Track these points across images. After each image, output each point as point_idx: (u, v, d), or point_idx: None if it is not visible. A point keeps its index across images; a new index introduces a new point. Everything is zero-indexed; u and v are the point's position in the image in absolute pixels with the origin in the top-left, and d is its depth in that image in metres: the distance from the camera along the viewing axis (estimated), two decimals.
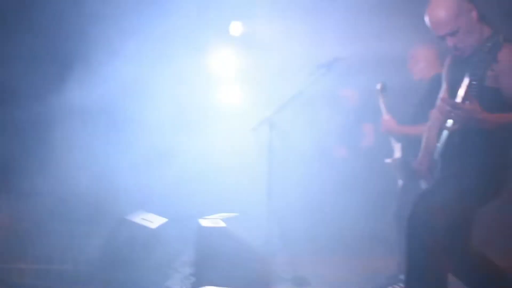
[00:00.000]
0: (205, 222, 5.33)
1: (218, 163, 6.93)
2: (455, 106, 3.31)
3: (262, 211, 5.12)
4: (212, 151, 6.93)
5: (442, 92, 3.80)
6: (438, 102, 3.65)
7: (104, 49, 6.30)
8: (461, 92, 3.36)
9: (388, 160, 5.35)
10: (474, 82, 3.28)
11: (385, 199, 5.53)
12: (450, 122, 3.40)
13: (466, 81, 3.35)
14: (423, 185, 3.86)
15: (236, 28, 6.70)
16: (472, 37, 3.45)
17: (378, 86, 5.22)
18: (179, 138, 6.54)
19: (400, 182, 5.21)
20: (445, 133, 3.51)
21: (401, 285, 5.04)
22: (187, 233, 5.77)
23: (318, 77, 5.02)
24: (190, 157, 6.57)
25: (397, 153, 5.27)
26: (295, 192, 6.51)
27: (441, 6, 3.43)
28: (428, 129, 3.82)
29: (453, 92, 3.48)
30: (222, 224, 5.28)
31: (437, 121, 3.59)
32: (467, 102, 3.30)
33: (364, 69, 5.97)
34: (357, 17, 6.08)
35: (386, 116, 5.18)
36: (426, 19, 3.51)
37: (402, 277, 4.94)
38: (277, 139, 5.18)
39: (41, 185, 6.24)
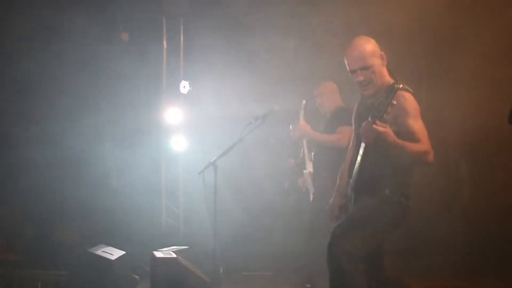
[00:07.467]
0: (158, 254, 5.80)
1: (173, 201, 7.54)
2: (371, 124, 3.66)
3: (209, 244, 5.49)
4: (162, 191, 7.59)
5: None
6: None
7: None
8: None
9: (304, 171, 6.02)
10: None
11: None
12: (363, 146, 3.81)
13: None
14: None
15: (184, 86, 7.46)
16: (379, 77, 3.92)
17: (304, 102, 5.94)
18: (134, 179, 7.11)
19: (311, 195, 5.87)
20: (355, 169, 3.91)
21: None
22: (143, 263, 6.39)
23: (255, 127, 5.45)
24: (145, 196, 7.16)
25: (310, 168, 5.96)
26: (237, 226, 7.08)
27: (360, 45, 3.94)
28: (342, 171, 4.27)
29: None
30: (174, 256, 5.77)
31: (349, 157, 4.11)
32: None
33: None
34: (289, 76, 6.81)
35: (303, 121, 5.89)
36: (346, 56, 3.98)
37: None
38: (221, 181, 5.65)
39: None
